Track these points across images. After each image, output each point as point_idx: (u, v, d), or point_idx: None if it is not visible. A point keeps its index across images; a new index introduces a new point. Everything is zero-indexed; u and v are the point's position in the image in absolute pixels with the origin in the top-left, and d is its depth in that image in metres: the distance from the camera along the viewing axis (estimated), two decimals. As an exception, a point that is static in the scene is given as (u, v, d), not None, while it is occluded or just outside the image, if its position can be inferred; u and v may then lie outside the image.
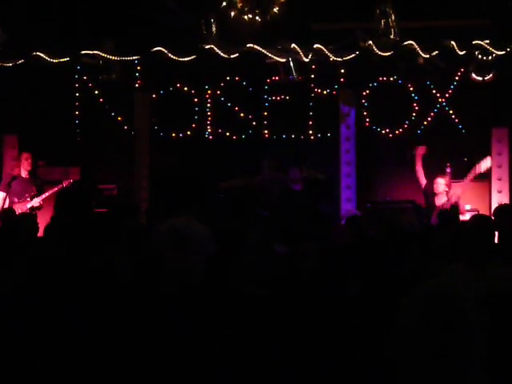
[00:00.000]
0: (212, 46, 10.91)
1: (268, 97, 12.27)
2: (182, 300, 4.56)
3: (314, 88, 12.14)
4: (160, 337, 3.93)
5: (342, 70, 11.67)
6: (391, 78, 11.99)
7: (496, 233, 5.81)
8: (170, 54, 11.04)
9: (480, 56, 10.49)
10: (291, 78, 11.16)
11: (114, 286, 4.54)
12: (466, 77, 11.18)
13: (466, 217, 9.69)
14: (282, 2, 11.15)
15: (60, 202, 8.14)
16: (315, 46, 10.89)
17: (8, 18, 10.82)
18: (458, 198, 10.36)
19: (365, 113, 12.15)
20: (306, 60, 11.02)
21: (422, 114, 12.07)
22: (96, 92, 12.03)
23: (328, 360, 3.97)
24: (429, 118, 12.06)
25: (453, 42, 10.62)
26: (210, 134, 12.34)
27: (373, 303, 4.48)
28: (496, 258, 4.64)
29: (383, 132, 12.19)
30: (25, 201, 10.77)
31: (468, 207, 10.75)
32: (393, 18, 10.26)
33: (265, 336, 4.14)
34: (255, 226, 6.51)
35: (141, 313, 4.25)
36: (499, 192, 11.57)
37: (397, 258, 4.99)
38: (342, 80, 11.86)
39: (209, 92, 12.31)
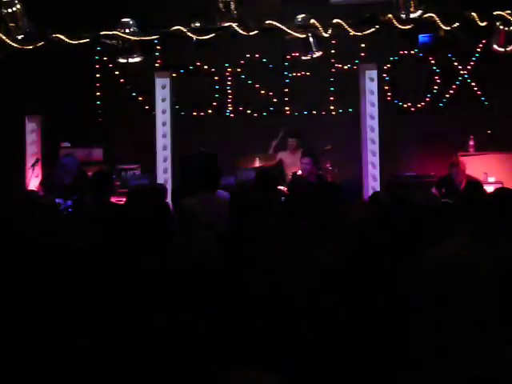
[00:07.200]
0: (231, 24, 10.84)
1: (288, 73, 12.23)
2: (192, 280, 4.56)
3: (334, 63, 12.08)
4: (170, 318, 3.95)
5: (363, 45, 11.59)
6: (412, 52, 11.89)
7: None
8: (189, 33, 10.99)
9: (501, 27, 10.32)
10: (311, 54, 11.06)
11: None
12: (487, 48, 11.04)
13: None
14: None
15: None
16: (335, 20, 10.77)
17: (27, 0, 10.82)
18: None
19: (386, 87, 12.07)
20: (326, 35, 10.92)
21: (444, 87, 11.98)
22: (116, 72, 12.05)
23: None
24: (451, 91, 11.95)
25: (473, 14, 10.47)
26: (231, 112, 12.33)
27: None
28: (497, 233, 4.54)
29: (405, 106, 12.11)
30: None
31: (492, 180, 10.65)
32: (412, -11, 10.14)
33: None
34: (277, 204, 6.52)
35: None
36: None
37: (414, 235, 4.96)
38: (362, 54, 11.79)
39: (229, 70, 12.29)
